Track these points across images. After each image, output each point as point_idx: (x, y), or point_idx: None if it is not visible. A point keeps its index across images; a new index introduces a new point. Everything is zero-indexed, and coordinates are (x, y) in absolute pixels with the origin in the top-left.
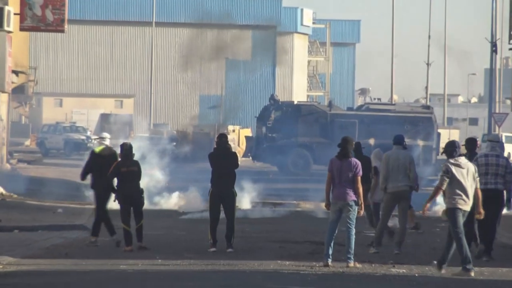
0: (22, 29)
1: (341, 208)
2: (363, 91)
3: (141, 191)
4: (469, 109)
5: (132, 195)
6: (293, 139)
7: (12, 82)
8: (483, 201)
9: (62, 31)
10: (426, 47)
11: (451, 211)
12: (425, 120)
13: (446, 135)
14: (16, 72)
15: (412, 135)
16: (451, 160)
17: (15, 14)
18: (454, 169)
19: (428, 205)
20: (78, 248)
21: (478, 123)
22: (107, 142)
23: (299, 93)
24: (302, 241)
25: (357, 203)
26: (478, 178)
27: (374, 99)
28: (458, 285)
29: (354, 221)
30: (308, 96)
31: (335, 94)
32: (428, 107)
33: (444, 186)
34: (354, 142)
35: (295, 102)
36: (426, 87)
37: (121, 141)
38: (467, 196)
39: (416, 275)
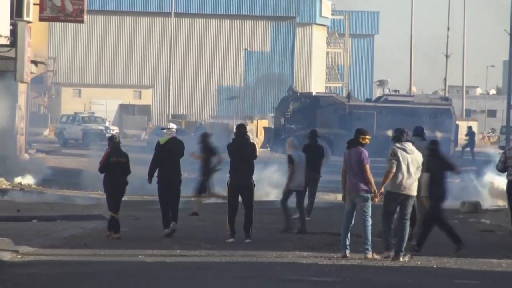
0: (41, 19)
1: (353, 199)
2: (382, 83)
3: (126, 183)
4: (488, 101)
5: (119, 185)
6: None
7: (31, 72)
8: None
9: (82, 21)
10: (445, 39)
11: (388, 193)
12: (443, 112)
13: (465, 126)
14: (35, 62)
15: (431, 126)
16: (397, 144)
17: (34, 4)
18: (399, 153)
19: (382, 190)
20: (96, 238)
21: (496, 115)
22: (174, 133)
23: (318, 85)
24: (320, 232)
25: (370, 192)
26: (420, 168)
27: (393, 90)
28: (475, 275)
29: (369, 212)
30: (326, 87)
31: (353, 85)
32: (446, 99)
33: (394, 169)
34: (366, 133)
35: (314, 94)
36: (445, 79)
37: (139, 132)
38: (410, 181)
39: (435, 266)
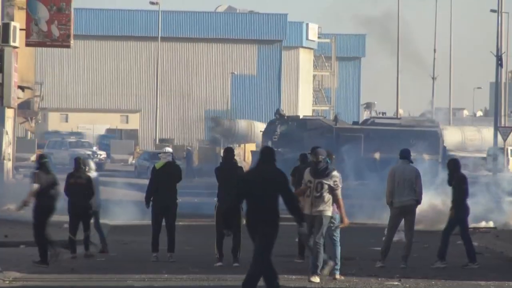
0: (28, 44)
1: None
2: (369, 105)
3: (89, 206)
4: (475, 123)
5: (79, 208)
6: (298, 153)
7: (18, 98)
8: None
9: (68, 46)
10: (432, 61)
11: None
12: (430, 134)
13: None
14: (22, 88)
15: (418, 149)
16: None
17: (21, 29)
18: (305, 175)
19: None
20: (84, 263)
21: None
22: (170, 157)
23: (305, 108)
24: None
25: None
26: (337, 191)
27: (380, 113)
28: None
29: (338, 234)
30: (313, 110)
31: (340, 108)
32: (433, 121)
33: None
34: (332, 155)
35: (301, 117)
36: (432, 101)
37: (127, 157)
38: (309, 203)
39: None
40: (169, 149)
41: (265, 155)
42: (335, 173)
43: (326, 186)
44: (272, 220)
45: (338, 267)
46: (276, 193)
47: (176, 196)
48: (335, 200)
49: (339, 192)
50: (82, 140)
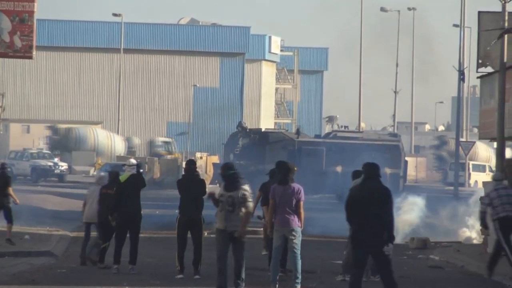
0: None
1: (286, 234)
2: (331, 119)
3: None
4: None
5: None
6: (260, 166)
7: None
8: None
9: (30, 57)
10: (394, 75)
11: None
12: (392, 148)
13: (413, 163)
14: None
15: (380, 162)
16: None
17: None
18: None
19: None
20: (44, 274)
21: None
22: (134, 169)
23: (267, 121)
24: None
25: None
26: (247, 203)
27: (342, 126)
28: None
29: (299, 246)
30: (275, 123)
31: (302, 121)
32: (395, 135)
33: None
34: (294, 168)
35: (263, 130)
36: (394, 115)
37: (88, 168)
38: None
39: None
40: (133, 161)
41: (370, 170)
42: (245, 186)
43: (237, 200)
44: (383, 235)
45: (299, 280)
46: (383, 208)
47: (140, 208)
48: (245, 213)
49: (250, 204)
50: (44, 151)
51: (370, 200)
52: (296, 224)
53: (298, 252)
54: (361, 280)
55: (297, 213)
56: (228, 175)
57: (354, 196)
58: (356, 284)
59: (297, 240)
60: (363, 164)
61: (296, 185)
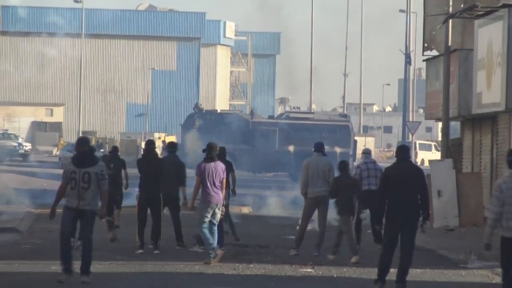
0: None
1: (214, 209)
2: (283, 100)
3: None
4: (384, 118)
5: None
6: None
7: None
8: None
9: None
10: (344, 58)
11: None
12: (342, 128)
13: (362, 142)
14: None
15: (330, 142)
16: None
17: None
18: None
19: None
20: (9, 250)
21: (392, 131)
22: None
23: (222, 102)
24: (225, 243)
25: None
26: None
27: (294, 108)
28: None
29: (218, 221)
30: (230, 105)
31: (256, 103)
32: (345, 116)
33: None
34: (218, 148)
35: (218, 111)
36: (343, 97)
37: (51, 148)
38: (76, 196)
39: (335, 275)
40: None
41: (403, 152)
42: (101, 162)
43: (93, 176)
44: (416, 214)
45: (212, 252)
46: (416, 188)
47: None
48: (102, 192)
49: (105, 182)
50: (8, 132)
51: (405, 180)
52: (221, 199)
53: (215, 227)
54: (392, 256)
55: (222, 188)
56: (82, 152)
57: (389, 176)
58: (388, 258)
59: (219, 214)
60: (397, 148)
61: (221, 164)
